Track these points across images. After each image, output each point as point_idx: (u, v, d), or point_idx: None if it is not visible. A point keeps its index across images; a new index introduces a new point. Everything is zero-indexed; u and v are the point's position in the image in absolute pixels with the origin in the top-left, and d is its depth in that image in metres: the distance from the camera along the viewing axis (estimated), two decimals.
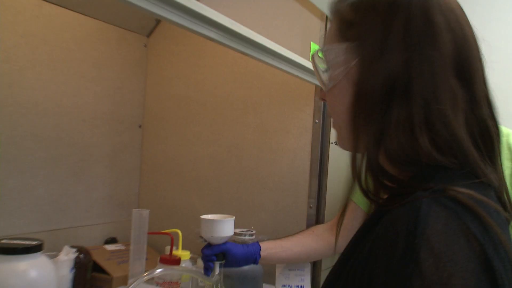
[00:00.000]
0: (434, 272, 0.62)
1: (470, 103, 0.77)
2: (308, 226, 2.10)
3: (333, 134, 2.10)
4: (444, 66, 0.76)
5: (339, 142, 0.95)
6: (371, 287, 0.68)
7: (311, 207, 2.11)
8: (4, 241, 1.26)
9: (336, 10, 0.89)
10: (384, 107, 0.77)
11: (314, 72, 0.95)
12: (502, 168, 0.82)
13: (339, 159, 2.10)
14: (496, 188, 0.77)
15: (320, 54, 0.91)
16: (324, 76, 0.90)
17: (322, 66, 0.90)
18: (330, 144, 2.10)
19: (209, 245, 1.48)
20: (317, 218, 2.10)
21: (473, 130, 0.78)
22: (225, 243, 1.48)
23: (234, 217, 1.52)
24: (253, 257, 1.54)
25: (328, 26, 0.97)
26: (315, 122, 2.11)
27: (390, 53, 0.78)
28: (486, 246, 0.63)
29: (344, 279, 0.77)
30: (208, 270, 1.46)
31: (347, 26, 0.85)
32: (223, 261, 1.47)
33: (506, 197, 0.80)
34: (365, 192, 0.81)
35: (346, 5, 0.86)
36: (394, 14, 0.79)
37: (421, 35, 0.77)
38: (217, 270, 1.45)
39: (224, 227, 1.48)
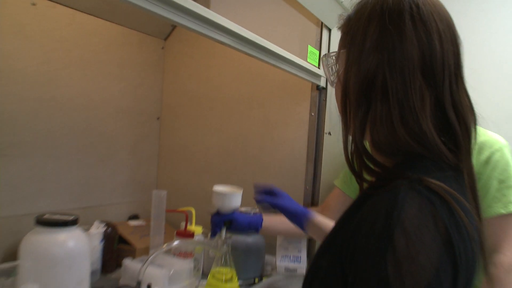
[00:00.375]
0: (405, 249, 0.68)
1: (436, 102, 0.82)
2: (305, 205, 2.15)
3: (327, 125, 2.17)
4: (412, 69, 0.81)
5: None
6: (353, 258, 0.75)
7: (307, 189, 2.19)
8: (46, 216, 1.30)
9: (341, 22, 0.97)
10: (366, 103, 0.84)
11: (325, 72, 1.04)
12: (470, 157, 0.90)
13: (332, 147, 2.16)
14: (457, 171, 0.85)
15: (323, 59, 1.03)
16: (329, 76, 1.01)
17: (328, 68, 1.01)
18: (324, 134, 2.17)
19: (218, 213, 1.54)
20: (312, 198, 2.18)
21: (440, 125, 0.83)
22: (232, 212, 1.54)
23: (242, 190, 1.56)
24: (255, 226, 1.60)
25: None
26: (311, 115, 2.19)
27: (366, 57, 0.84)
28: (451, 229, 0.70)
29: (332, 252, 0.83)
30: (214, 234, 1.53)
31: (343, 36, 0.94)
32: (229, 225, 1.53)
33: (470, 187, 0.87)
34: (355, 173, 0.87)
35: (345, 18, 0.95)
36: (371, 24, 0.85)
37: (391, 42, 0.82)
38: (223, 235, 1.51)
39: (232, 199, 1.53)
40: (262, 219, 1.63)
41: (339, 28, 0.96)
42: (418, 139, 0.81)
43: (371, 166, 0.85)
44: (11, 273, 1.32)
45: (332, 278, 0.81)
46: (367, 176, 0.87)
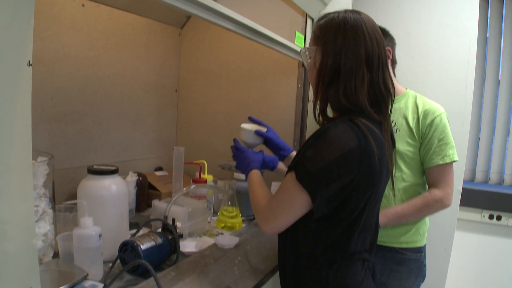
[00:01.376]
0: (320, 146, 1.04)
1: (371, 81, 1.11)
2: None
3: (310, 94, 2.23)
4: (360, 62, 1.09)
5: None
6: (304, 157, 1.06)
7: (295, 145, 2.29)
8: (95, 166, 1.43)
9: (314, 26, 1.20)
10: (330, 82, 1.11)
11: (303, 59, 1.23)
12: (388, 116, 1.16)
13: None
14: (381, 124, 1.14)
15: (302, 51, 1.23)
16: (306, 62, 1.22)
17: (305, 56, 1.22)
18: (309, 102, 2.26)
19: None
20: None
21: (371, 97, 1.12)
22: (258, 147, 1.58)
23: (266, 129, 1.60)
24: (273, 164, 1.57)
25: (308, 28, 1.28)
26: (298, 86, 2.29)
27: (335, 54, 1.10)
28: (358, 147, 1.02)
29: (298, 160, 1.09)
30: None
31: (316, 37, 1.17)
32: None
33: (386, 132, 1.15)
34: (318, 122, 1.16)
35: (317, 25, 1.18)
36: (338, 33, 1.11)
37: (350, 45, 1.09)
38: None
39: (255, 135, 1.56)
40: (278, 161, 1.61)
41: (313, 30, 1.19)
42: (355, 105, 1.09)
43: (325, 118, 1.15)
44: (73, 209, 1.44)
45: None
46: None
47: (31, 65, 0.67)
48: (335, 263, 1.12)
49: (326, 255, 1.11)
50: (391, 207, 1.65)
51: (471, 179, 2.79)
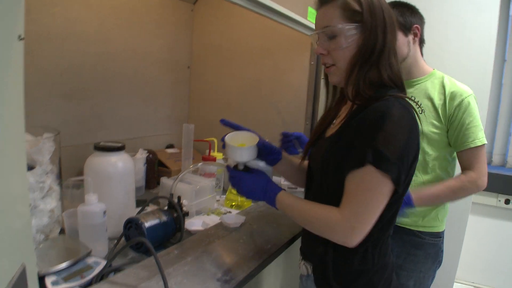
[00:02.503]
0: (391, 130, 0.97)
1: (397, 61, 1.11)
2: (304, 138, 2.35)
3: (323, 72, 2.29)
4: (393, 42, 1.09)
5: (333, 79, 1.13)
6: (354, 140, 1.01)
7: (307, 124, 2.31)
8: (101, 143, 1.43)
9: (341, 2, 1.08)
10: (375, 59, 1.07)
11: (336, 38, 1.08)
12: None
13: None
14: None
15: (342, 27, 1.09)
16: (341, 41, 1.08)
17: (342, 34, 1.08)
18: (321, 79, 2.25)
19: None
20: (311, 132, 2.26)
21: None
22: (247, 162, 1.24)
23: (255, 144, 1.22)
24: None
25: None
26: (311, 63, 2.27)
27: (381, 29, 1.07)
28: (414, 125, 1.01)
29: (340, 144, 1.06)
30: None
31: (353, 13, 1.07)
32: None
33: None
34: (353, 101, 1.09)
35: (349, 1, 1.08)
36: (378, 7, 1.07)
37: (391, 20, 1.09)
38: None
39: (245, 153, 1.21)
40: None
41: (346, 4, 1.07)
42: (395, 82, 1.09)
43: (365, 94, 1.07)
44: (80, 186, 1.45)
45: (341, 159, 1.05)
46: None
47: (22, 39, 0.67)
48: (379, 243, 1.11)
49: (376, 234, 1.08)
50: (423, 188, 1.63)
51: (488, 162, 2.74)
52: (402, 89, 1.11)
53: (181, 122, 2.49)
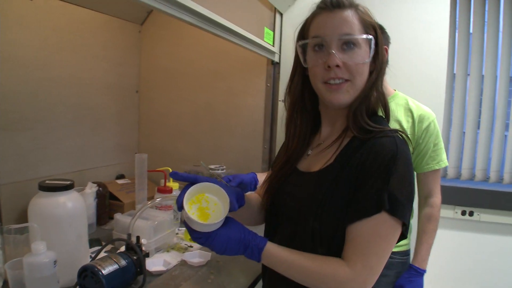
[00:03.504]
0: (403, 173, 0.91)
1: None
2: (263, 161, 2.24)
3: (280, 94, 2.20)
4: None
5: (343, 98, 1.00)
6: (362, 183, 0.91)
7: (265, 148, 2.25)
8: (47, 181, 1.29)
9: (359, 12, 1.01)
10: (379, 80, 1.03)
11: (356, 50, 0.99)
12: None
13: (284, 113, 2.21)
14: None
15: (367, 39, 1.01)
16: (362, 54, 1.00)
17: (364, 47, 1.00)
18: (278, 101, 2.22)
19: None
20: (269, 156, 2.24)
21: None
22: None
23: (226, 212, 0.94)
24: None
25: (352, 15, 1.00)
26: (267, 85, 2.23)
27: (382, 48, 1.02)
28: (411, 155, 0.99)
29: (342, 181, 0.95)
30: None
31: (367, 24, 1.00)
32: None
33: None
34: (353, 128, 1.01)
35: (365, 12, 1.02)
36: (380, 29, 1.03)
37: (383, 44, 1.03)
38: None
39: (214, 226, 0.93)
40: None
41: (356, 12, 1.00)
42: (383, 103, 1.05)
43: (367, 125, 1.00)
44: (24, 230, 1.29)
45: (343, 199, 0.94)
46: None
47: None
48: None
49: None
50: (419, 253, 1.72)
51: (443, 175, 2.77)
52: (389, 117, 1.06)
53: (131, 150, 2.47)
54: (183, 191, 0.96)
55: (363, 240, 0.90)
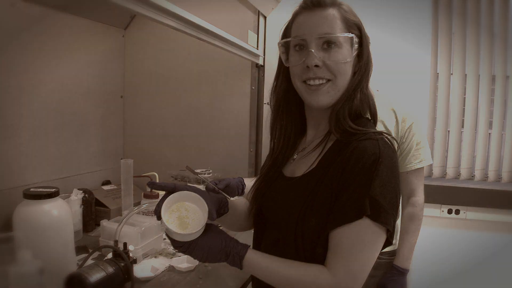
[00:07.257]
0: (386, 176, 0.89)
1: None
2: (250, 165, 2.26)
3: (265, 97, 2.22)
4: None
5: (324, 99, 0.98)
6: (344, 187, 0.90)
7: (251, 151, 2.27)
8: (31, 189, 1.27)
9: (342, 10, 0.99)
10: (364, 81, 1.02)
11: (338, 49, 0.97)
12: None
13: (269, 115, 2.22)
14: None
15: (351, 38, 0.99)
16: (344, 53, 0.98)
17: (346, 45, 0.98)
18: (264, 104, 2.24)
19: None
20: (256, 159, 2.26)
21: None
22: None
23: (201, 228, 0.92)
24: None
25: (334, 13, 0.98)
26: (252, 88, 2.25)
27: (368, 48, 1.02)
28: (397, 157, 0.95)
29: (323, 187, 0.93)
30: None
31: (352, 24, 0.99)
32: None
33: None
34: (348, 127, 0.98)
35: (349, 11, 1.01)
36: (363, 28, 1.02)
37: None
38: None
39: (194, 235, 0.92)
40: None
41: (339, 13, 0.99)
42: (369, 105, 1.04)
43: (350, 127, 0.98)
44: (9, 240, 1.26)
45: (325, 205, 0.92)
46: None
47: None
48: None
49: None
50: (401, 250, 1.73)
51: (428, 174, 2.79)
52: (376, 119, 1.05)
53: (117, 156, 2.45)
54: (161, 200, 0.95)
55: (345, 247, 0.89)
